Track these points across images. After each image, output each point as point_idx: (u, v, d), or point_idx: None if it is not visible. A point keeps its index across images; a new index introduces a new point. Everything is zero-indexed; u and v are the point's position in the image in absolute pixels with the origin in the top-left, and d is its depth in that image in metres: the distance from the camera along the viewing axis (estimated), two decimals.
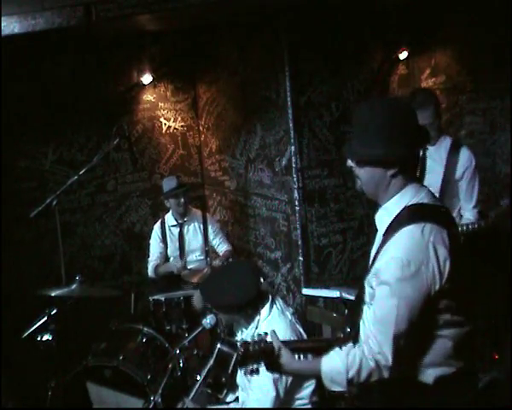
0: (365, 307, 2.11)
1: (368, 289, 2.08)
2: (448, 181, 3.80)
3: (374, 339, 1.97)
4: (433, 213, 2.04)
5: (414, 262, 1.93)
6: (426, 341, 2.04)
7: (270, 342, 2.10)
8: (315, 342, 2.49)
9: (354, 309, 2.23)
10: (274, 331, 2.16)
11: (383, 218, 2.11)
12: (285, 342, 2.16)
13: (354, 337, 2.10)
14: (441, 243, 1.97)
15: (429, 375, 2.05)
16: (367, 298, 2.10)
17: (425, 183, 3.77)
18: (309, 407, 2.94)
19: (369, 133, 2.03)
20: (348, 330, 2.18)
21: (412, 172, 2.10)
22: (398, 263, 1.94)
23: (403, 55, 5.17)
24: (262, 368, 2.09)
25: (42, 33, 3.99)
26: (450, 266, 1.96)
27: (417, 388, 2.07)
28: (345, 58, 4.85)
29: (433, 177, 3.82)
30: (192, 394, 2.95)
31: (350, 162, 2.11)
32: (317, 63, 4.75)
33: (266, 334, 2.13)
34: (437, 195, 3.71)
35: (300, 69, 4.67)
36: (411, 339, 1.98)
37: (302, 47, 4.67)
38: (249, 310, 2.91)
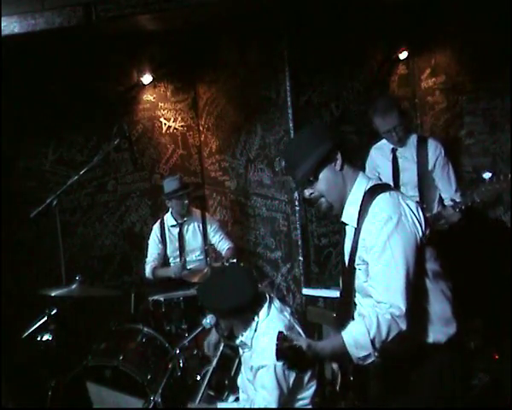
0: (358, 296, 2.24)
1: (360, 267, 2.20)
2: (423, 175, 3.94)
3: (382, 298, 2.07)
4: (390, 187, 2.32)
5: (393, 215, 2.11)
6: (426, 294, 2.16)
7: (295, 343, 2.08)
8: None
9: (343, 310, 2.33)
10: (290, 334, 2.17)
11: (350, 211, 2.26)
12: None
13: None
14: (409, 199, 2.22)
15: (440, 332, 2.17)
16: (361, 280, 2.20)
17: (401, 182, 3.97)
18: (310, 407, 2.95)
19: (299, 153, 2.26)
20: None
21: (354, 163, 2.31)
22: (381, 222, 2.12)
23: (403, 55, 5.17)
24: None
25: (42, 33, 3.99)
26: (423, 216, 2.17)
27: (431, 350, 2.17)
28: (345, 58, 4.85)
29: (408, 174, 3.98)
30: (198, 399, 2.96)
31: (306, 193, 2.29)
32: (317, 63, 4.74)
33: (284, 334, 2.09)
34: (415, 190, 3.91)
35: (300, 69, 4.67)
36: (414, 288, 2.08)
37: (302, 47, 4.67)
38: (246, 314, 2.91)
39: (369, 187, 2.24)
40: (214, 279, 3.20)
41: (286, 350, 2.00)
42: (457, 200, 3.69)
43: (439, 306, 2.18)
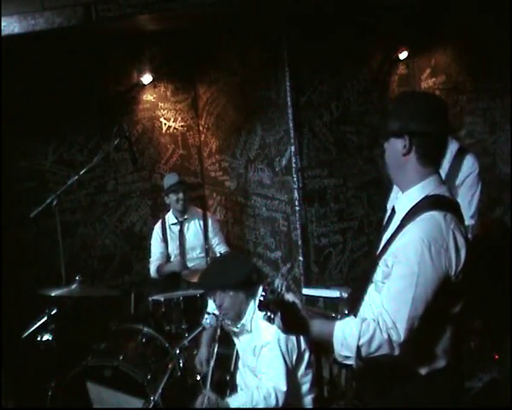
0: (371, 286, 2.15)
1: (383, 268, 2.11)
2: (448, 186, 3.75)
3: (387, 315, 1.99)
4: (453, 206, 2.14)
5: (435, 245, 1.98)
6: (432, 330, 2.07)
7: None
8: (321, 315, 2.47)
9: (357, 291, 2.25)
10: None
11: (404, 203, 2.16)
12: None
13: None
14: (459, 232, 2.05)
15: (424, 366, 2.09)
16: (379, 277, 2.12)
17: None
18: (311, 395, 3.09)
19: (393, 109, 2.17)
20: (346, 312, 2.20)
21: (433, 164, 2.15)
22: (419, 244, 1.99)
23: (403, 55, 5.17)
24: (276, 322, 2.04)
25: (42, 33, 3.99)
26: (465, 256, 2.04)
27: (409, 377, 2.11)
28: (345, 58, 4.85)
29: None
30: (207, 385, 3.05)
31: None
32: (317, 63, 4.75)
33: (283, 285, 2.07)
34: None
35: (300, 69, 4.67)
36: (424, 322, 2.00)
37: (302, 47, 4.67)
38: (250, 287, 3.09)
39: (432, 193, 2.10)
40: (214, 263, 3.64)
41: (272, 302, 1.96)
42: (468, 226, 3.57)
43: (436, 341, 2.09)
